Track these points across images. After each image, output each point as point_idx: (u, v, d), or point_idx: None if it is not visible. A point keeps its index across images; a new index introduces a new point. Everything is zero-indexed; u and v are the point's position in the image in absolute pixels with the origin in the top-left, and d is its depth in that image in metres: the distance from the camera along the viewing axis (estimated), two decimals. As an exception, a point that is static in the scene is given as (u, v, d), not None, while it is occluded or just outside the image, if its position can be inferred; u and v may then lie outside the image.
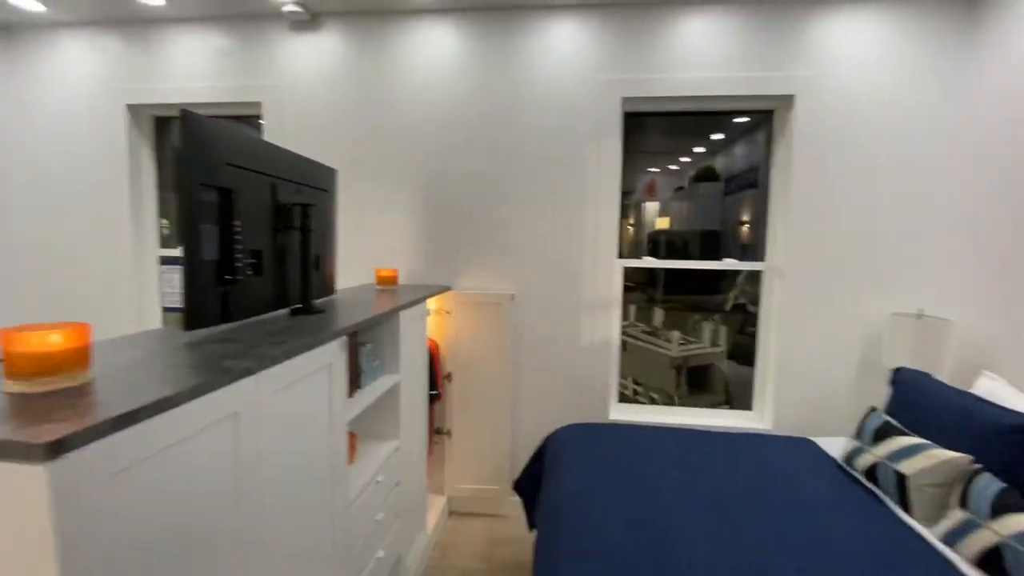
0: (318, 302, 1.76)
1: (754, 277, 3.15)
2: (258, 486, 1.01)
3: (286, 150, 1.50)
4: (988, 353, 2.15)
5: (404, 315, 1.91)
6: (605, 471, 1.82)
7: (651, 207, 3.20)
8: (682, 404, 3.01)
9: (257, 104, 2.70)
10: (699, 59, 2.46)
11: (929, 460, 1.59)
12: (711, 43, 2.45)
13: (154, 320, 2.93)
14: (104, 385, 0.80)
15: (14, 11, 2.62)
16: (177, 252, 2.87)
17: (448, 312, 2.62)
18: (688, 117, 2.85)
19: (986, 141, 2.20)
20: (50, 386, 0.77)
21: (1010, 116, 2.08)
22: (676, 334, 3.48)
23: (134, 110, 2.80)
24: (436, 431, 2.66)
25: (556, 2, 2.48)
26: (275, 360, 1.05)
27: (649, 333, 3.56)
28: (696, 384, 3.45)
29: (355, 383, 1.65)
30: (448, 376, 2.64)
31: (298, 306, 1.59)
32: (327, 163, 1.81)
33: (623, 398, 2.82)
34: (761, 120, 2.74)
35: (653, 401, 3.35)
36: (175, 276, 2.88)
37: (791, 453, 1.98)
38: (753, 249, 2.86)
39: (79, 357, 0.81)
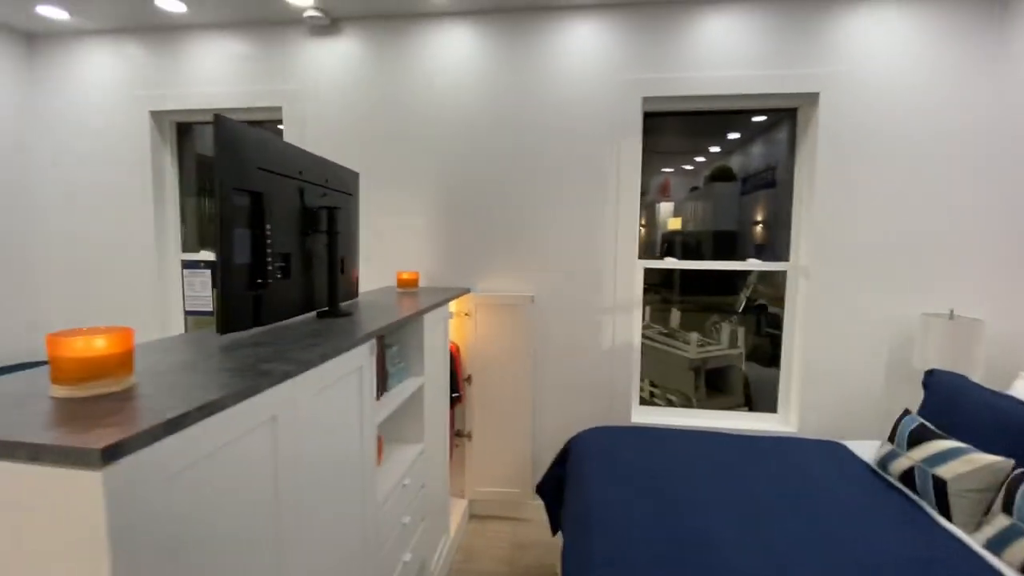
0: (343, 305, 1.76)
1: (766, 277, 3.11)
2: (294, 489, 1.00)
3: (312, 154, 1.51)
4: (1022, 353, 2.09)
5: (428, 317, 1.91)
6: (633, 476, 1.79)
7: (665, 208, 3.17)
8: (700, 406, 2.97)
9: (278, 109, 2.72)
10: (721, 57, 2.43)
11: (969, 465, 1.55)
12: (733, 40, 2.42)
13: (177, 323, 2.96)
14: (147, 389, 0.80)
15: (39, 19, 2.67)
16: (197, 256, 2.90)
17: (468, 314, 2.61)
18: (703, 116, 2.82)
19: (1019, 138, 2.15)
20: (96, 390, 0.77)
21: (1045, 111, 2.03)
22: (694, 335, 3.44)
23: (157, 117, 2.83)
24: (456, 433, 2.65)
25: (576, 2, 2.47)
26: (311, 364, 1.05)
27: (665, 335, 3.53)
28: (714, 386, 3.41)
29: (382, 386, 1.65)
30: (468, 378, 2.64)
31: (324, 309, 1.59)
32: (347, 167, 1.81)
33: (640, 400, 2.79)
34: (780, 118, 2.70)
35: (670, 403, 3.31)
36: (197, 280, 2.90)
37: (822, 457, 1.94)
38: (771, 249, 2.82)
39: (123, 361, 0.81)
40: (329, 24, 2.63)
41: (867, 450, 2.05)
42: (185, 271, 2.92)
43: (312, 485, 1.08)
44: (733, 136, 3.02)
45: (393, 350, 1.77)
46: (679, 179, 3.13)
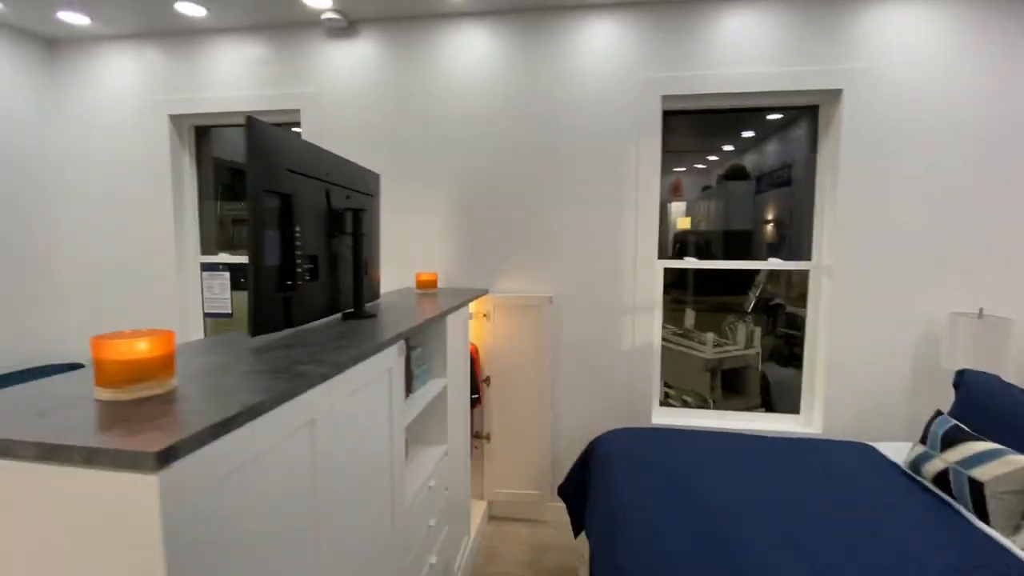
0: (368, 307, 1.76)
1: (777, 276, 3.07)
2: (330, 492, 1.00)
3: (337, 155, 1.50)
4: (1056, 353, 2.05)
5: (450, 319, 1.90)
6: (659, 479, 1.77)
7: (677, 207, 3.14)
8: (717, 407, 2.94)
9: (296, 111, 2.73)
10: (741, 54, 2.40)
11: (1007, 466, 1.51)
12: (753, 37, 2.39)
13: (196, 325, 2.98)
14: (189, 392, 0.80)
15: (60, 25, 2.70)
16: (216, 259, 2.92)
17: (486, 315, 2.60)
18: (717, 115, 2.78)
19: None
20: (139, 393, 0.77)
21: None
22: (710, 335, 3.41)
23: (176, 120, 2.85)
24: (475, 435, 2.64)
25: (593, 1, 2.45)
26: (344, 366, 1.04)
27: (680, 335, 3.50)
28: (730, 387, 3.38)
29: (408, 387, 1.64)
30: (487, 380, 2.63)
31: (350, 311, 1.59)
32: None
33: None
34: (796, 116, 2.67)
35: (686, 404, 3.28)
36: (216, 282, 2.92)
37: (852, 459, 1.91)
38: (787, 248, 2.78)
39: (166, 364, 0.80)
40: (346, 26, 2.64)
41: (896, 452, 2.02)
42: (204, 273, 2.94)
43: (346, 488, 1.08)
44: (747, 134, 2.98)
45: (417, 352, 1.76)
46: (691, 178, 3.10)
